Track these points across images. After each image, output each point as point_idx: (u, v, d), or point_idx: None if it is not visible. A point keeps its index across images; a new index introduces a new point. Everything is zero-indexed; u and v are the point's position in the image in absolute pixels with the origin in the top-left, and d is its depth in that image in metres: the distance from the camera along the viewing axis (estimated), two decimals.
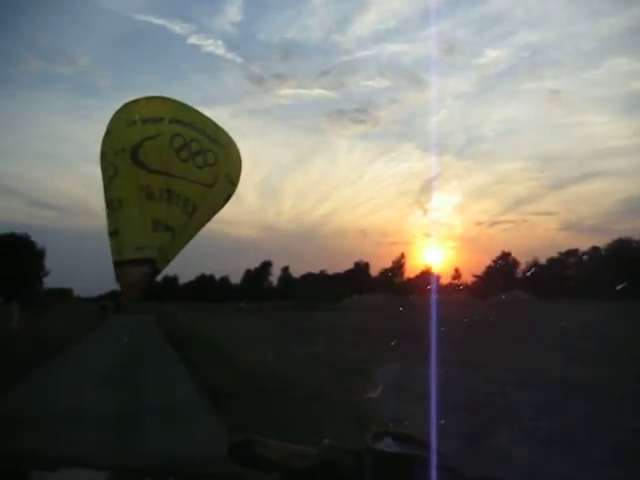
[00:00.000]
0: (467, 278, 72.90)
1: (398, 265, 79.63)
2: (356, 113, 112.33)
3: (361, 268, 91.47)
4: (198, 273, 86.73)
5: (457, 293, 58.42)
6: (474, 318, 23.74)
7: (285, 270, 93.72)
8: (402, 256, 76.51)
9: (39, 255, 44.95)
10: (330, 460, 0.72)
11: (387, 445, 0.71)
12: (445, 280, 63.47)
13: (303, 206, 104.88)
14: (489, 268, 73.55)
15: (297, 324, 25.57)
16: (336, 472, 0.71)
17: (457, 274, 72.56)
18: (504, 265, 75.90)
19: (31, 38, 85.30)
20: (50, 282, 54.69)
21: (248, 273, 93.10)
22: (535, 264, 75.35)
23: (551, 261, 73.93)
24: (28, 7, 78.26)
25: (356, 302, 51.98)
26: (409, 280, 69.44)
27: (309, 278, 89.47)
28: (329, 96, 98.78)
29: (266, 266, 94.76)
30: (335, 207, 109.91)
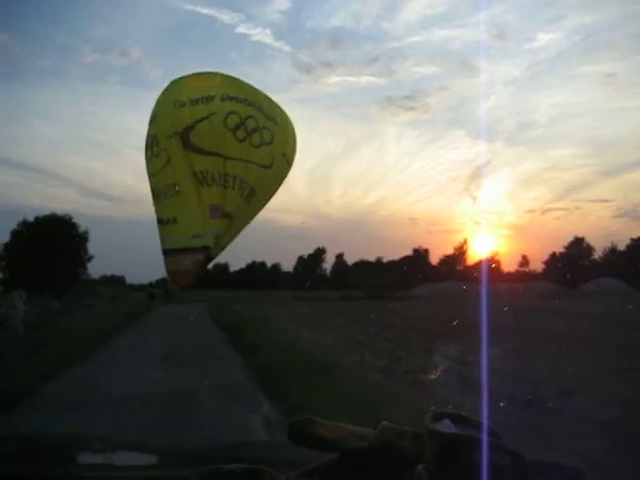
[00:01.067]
0: (535, 265, 69.97)
1: (460, 252, 74.91)
2: (405, 100, 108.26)
3: (420, 255, 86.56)
4: (249, 261, 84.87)
5: (533, 280, 54.21)
6: (573, 310, 21.36)
7: (339, 257, 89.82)
8: (464, 242, 72.00)
9: (82, 238, 41.75)
10: (388, 441, 0.72)
11: (446, 427, 0.69)
12: (510, 267, 59.31)
13: (352, 194, 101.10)
14: (555, 255, 69.28)
15: (376, 316, 22.59)
16: (394, 453, 0.71)
17: (525, 261, 68.88)
18: (578, 251, 70.41)
19: (86, 31, 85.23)
20: (103, 270, 58.43)
21: (301, 260, 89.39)
22: (614, 250, 69.49)
23: (631, 247, 67.64)
24: (82, 1, 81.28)
25: (425, 290, 47.53)
26: (472, 267, 64.88)
27: (363, 265, 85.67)
28: (378, 83, 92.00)
29: (319, 253, 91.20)
30: (384, 195, 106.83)
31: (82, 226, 41.85)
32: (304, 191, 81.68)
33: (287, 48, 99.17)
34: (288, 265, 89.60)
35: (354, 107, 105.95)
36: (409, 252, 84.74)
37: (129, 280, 61.69)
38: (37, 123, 78.99)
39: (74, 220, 41.61)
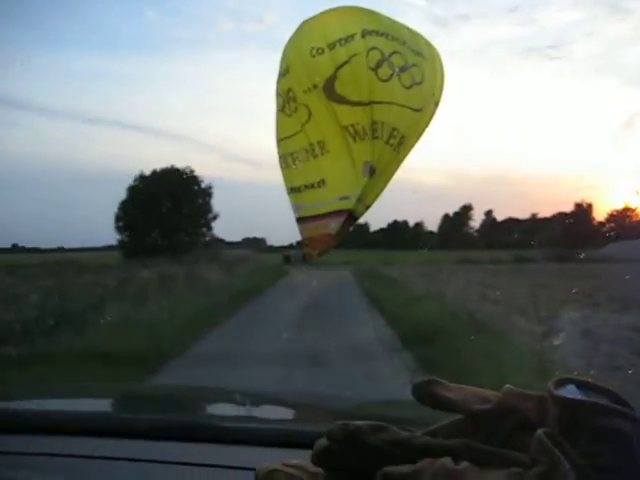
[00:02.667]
0: None
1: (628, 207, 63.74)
2: (549, 50, 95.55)
3: (583, 210, 75.37)
4: (389, 220, 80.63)
5: None
6: None
7: (489, 214, 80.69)
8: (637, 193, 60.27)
9: (205, 194, 36.54)
10: (511, 404, 0.72)
11: (570, 392, 0.67)
12: None
13: (493, 150, 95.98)
14: None
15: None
16: (517, 416, 0.71)
17: None
18: None
19: (222, 2, 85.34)
20: (244, 234, 58.67)
21: (446, 218, 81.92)
22: None
23: None
24: None
25: (618, 250, 38.09)
26: None
27: (514, 223, 76.60)
28: (518, 34, 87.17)
29: (466, 210, 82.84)
30: (528, 150, 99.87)
31: (204, 181, 36.60)
32: (443, 149, 77.94)
33: (421, 2, 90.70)
34: (430, 225, 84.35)
35: (493, 60, 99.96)
36: (556, 210, 75.78)
37: (270, 242, 60.00)
38: (178, 92, 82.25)
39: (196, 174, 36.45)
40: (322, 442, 0.75)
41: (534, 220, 74.72)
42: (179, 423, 1.40)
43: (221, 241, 40.42)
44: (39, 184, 76.50)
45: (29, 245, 50.05)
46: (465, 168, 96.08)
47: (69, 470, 1.14)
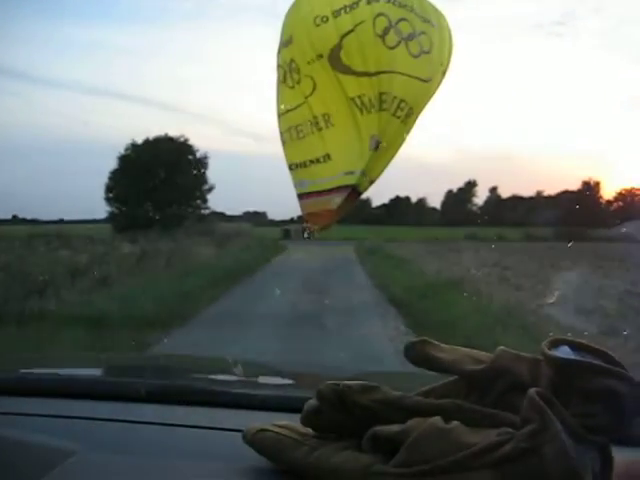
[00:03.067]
0: None
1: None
2: (556, 26, 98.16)
3: (590, 188, 73.87)
4: (391, 195, 76.66)
5: None
6: None
7: (493, 191, 78.52)
8: None
9: (200, 163, 34.65)
10: (504, 365, 0.73)
11: (564, 353, 0.69)
12: None
13: (496, 128, 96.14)
14: None
15: None
16: (510, 377, 0.72)
17: None
18: None
19: None
20: (245, 206, 58.81)
21: (449, 195, 79.37)
22: None
23: None
24: None
25: (634, 229, 36.54)
26: None
27: (519, 200, 74.47)
28: (525, 9, 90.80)
29: (470, 187, 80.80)
30: (533, 127, 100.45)
31: (200, 150, 34.67)
32: (446, 123, 77.89)
33: None
34: (433, 201, 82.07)
35: (500, 34, 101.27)
36: (561, 188, 73.58)
37: (271, 216, 59.38)
38: (177, 64, 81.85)
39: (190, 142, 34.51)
40: (312, 402, 0.76)
41: (540, 198, 73.36)
42: (172, 387, 1.45)
43: (221, 214, 39.25)
44: (39, 155, 76.83)
45: (29, 217, 48.98)
46: (469, 144, 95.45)
47: (70, 431, 1.15)
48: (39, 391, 1.35)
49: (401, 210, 76.17)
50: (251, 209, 60.94)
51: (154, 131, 64.44)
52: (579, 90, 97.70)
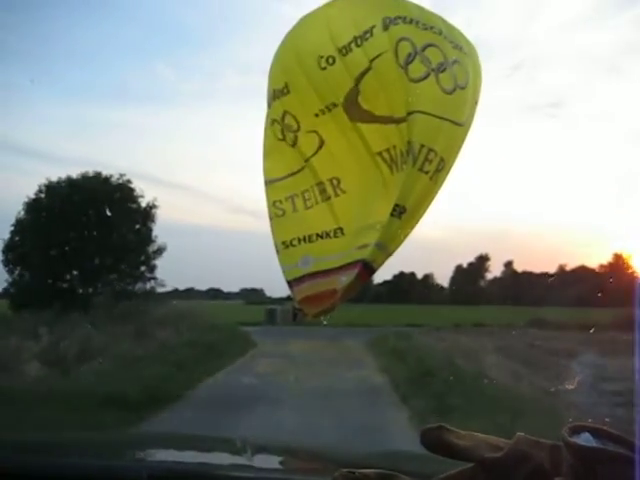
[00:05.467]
0: None
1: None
2: (550, 108, 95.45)
3: (622, 263, 66.86)
4: (394, 272, 72.51)
5: None
6: None
7: (508, 265, 71.19)
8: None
9: (144, 216, 24.61)
10: (524, 452, 0.70)
11: (585, 440, 0.65)
12: None
13: (494, 206, 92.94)
14: None
15: None
16: (530, 464, 0.69)
17: None
18: None
19: (230, 56, 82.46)
20: (243, 283, 56.96)
21: (459, 270, 73.81)
22: None
23: None
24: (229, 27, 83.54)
25: None
26: None
27: (535, 277, 67.84)
28: (519, 92, 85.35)
29: (482, 261, 74.08)
30: (530, 207, 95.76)
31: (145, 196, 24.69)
32: (440, 202, 79.32)
33: None
34: (439, 277, 79.42)
35: (494, 117, 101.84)
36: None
37: (269, 293, 57.06)
38: (186, 144, 77.35)
39: (133, 185, 24.54)
40: None
41: (562, 273, 66.99)
42: (174, 471, 1.41)
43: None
44: None
45: None
46: (465, 222, 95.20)
47: None
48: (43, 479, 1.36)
49: (406, 287, 72.03)
50: (249, 286, 60.80)
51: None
52: (576, 171, 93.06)
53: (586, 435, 0.66)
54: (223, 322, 19.83)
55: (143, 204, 24.39)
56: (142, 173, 79.35)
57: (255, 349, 13.99)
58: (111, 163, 76.70)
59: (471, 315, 28.61)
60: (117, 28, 62.14)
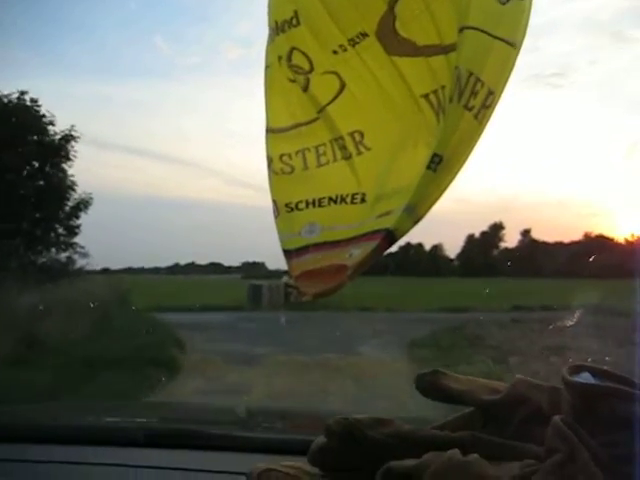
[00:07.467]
0: None
1: None
2: (554, 77, 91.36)
3: None
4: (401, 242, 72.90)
5: None
6: None
7: (525, 234, 65.92)
8: None
9: (61, 152, 16.34)
10: (522, 394, 0.72)
11: (585, 379, 0.67)
12: None
13: (497, 176, 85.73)
14: None
15: None
16: (529, 406, 0.71)
17: None
18: None
19: (231, 29, 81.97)
20: (243, 258, 56.43)
21: (470, 239, 68.85)
22: None
23: None
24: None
25: None
26: None
27: (557, 246, 62.01)
28: (523, 61, 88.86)
29: (496, 230, 68.67)
30: (531, 176, 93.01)
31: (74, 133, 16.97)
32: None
33: None
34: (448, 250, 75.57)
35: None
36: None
37: (270, 266, 52.88)
38: (185, 118, 79.72)
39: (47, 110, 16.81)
40: (320, 440, 0.73)
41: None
42: (171, 431, 1.44)
43: (214, 265, 36.20)
44: None
45: None
46: (467, 193, 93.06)
47: (70, 476, 1.18)
48: (38, 439, 1.36)
49: (414, 259, 66.87)
50: (250, 260, 59.29)
51: (155, 184, 66.79)
52: (578, 140, 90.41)
53: (586, 374, 0.65)
54: (153, 311, 12.52)
55: (57, 137, 16.68)
56: (140, 148, 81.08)
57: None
58: (107, 138, 73.49)
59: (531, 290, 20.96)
60: (114, 0, 60.58)
